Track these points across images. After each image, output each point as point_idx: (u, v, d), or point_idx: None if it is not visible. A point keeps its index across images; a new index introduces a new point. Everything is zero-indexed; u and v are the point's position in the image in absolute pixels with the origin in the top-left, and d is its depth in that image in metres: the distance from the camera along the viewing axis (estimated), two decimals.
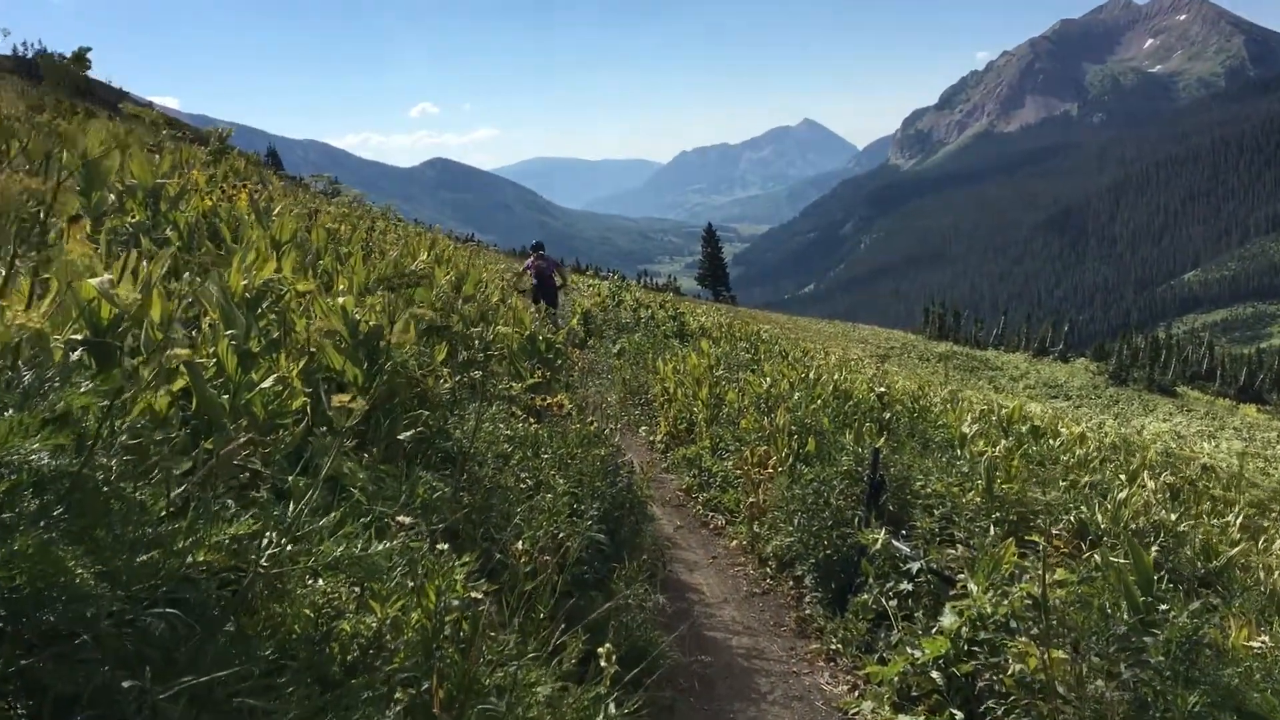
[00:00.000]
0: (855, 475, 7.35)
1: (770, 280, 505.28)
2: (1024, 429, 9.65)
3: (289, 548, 2.47)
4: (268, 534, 2.47)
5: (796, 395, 9.53)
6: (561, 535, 4.42)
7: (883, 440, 8.13)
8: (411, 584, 2.73)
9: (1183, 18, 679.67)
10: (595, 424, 6.28)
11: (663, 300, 24.12)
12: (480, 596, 2.74)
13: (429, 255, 8.19)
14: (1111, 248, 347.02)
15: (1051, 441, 9.40)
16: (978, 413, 11.08)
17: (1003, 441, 8.87)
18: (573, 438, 5.80)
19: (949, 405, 12.54)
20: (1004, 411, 10.02)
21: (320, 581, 2.44)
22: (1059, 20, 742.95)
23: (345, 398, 2.61)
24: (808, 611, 6.75)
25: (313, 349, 4.18)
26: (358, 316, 4.61)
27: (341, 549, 2.51)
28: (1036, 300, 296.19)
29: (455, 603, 2.80)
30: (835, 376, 10.66)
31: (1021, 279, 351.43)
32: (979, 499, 6.58)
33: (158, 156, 9.20)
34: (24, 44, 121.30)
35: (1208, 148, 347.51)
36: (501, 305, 7.23)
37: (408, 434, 4.78)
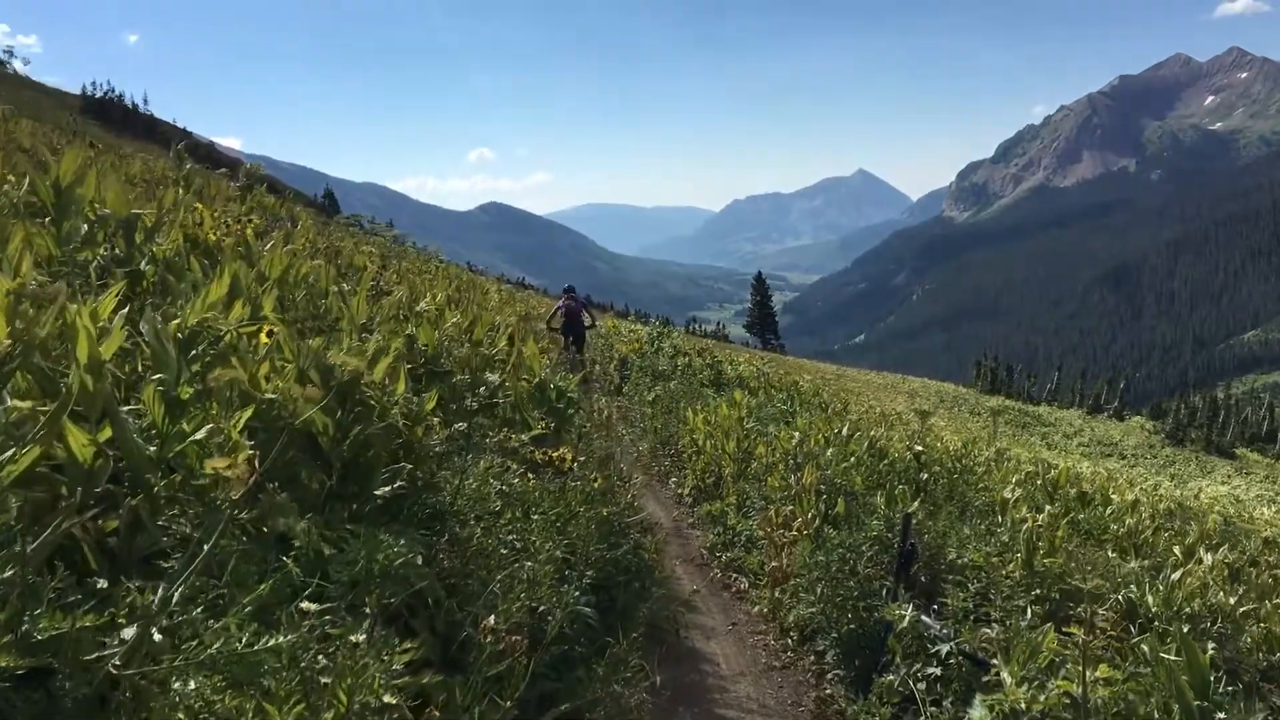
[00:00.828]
0: (885, 541, 6.84)
1: (820, 330, 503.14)
2: (1072, 494, 9.06)
3: (154, 641, 2.08)
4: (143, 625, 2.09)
5: (829, 452, 9.04)
6: (542, 608, 3.99)
7: (917, 504, 7.61)
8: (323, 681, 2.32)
9: (1244, 75, 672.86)
10: (600, 480, 5.83)
11: (701, 347, 23.67)
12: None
13: (443, 296, 7.88)
14: (1169, 305, 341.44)
15: (1101, 509, 8.79)
16: (1023, 474, 10.49)
17: (1048, 508, 8.31)
18: (572, 495, 5.37)
19: (993, 465, 11.96)
20: (1051, 474, 9.43)
21: (192, 684, 2.04)
22: (1118, 76, 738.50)
23: (222, 463, 2.20)
24: (829, 691, 6.23)
25: (272, 395, 3.82)
26: (332, 360, 4.24)
27: (220, 643, 2.11)
28: (1092, 356, 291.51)
29: (374, 704, 2.38)
30: (872, 432, 10.15)
31: (1076, 334, 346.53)
32: (1018, 572, 6.04)
33: (178, 189, 9.01)
34: (93, 84, 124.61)
35: (1269, 206, 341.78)
36: (513, 350, 6.86)
37: (385, 490, 4.40)
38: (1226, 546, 7.95)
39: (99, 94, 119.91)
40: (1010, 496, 7.83)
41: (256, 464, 2.31)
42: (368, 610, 3.30)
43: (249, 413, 3.41)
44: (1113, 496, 9.43)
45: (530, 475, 5.38)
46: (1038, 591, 5.84)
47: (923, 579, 6.57)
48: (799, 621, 6.77)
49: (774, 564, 7.44)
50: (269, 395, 3.74)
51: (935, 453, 9.53)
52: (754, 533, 8.40)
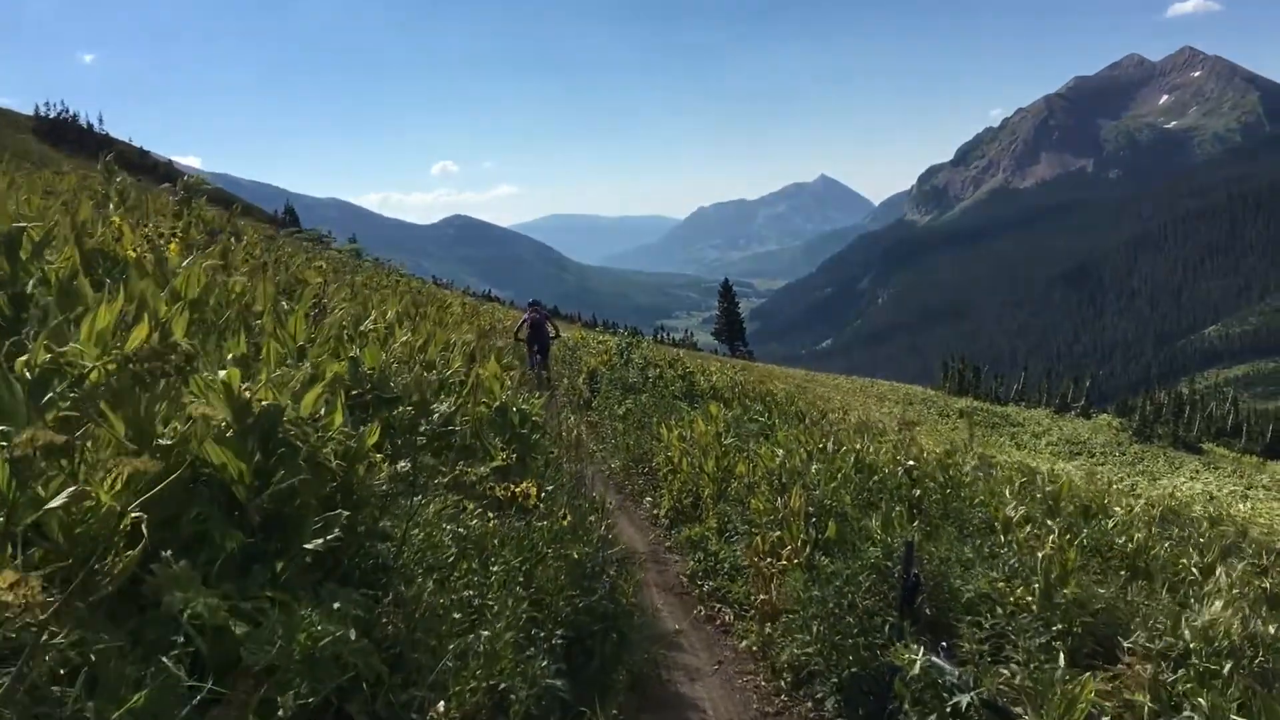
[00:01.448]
0: (884, 570, 6.25)
1: (787, 335, 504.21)
2: (1072, 508, 8.52)
3: None
4: None
5: (814, 468, 8.45)
6: (503, 685, 3.35)
7: (915, 525, 7.03)
8: None
9: (1197, 74, 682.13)
10: (569, 515, 5.18)
11: (672, 358, 23.06)
12: None
13: (394, 312, 7.21)
14: (1130, 302, 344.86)
15: (1104, 522, 8.24)
16: (1016, 486, 9.94)
17: (1049, 523, 7.76)
18: (539, 536, 4.73)
19: (982, 476, 11.42)
20: (1050, 488, 8.87)
21: None
22: (1074, 77, 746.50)
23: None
24: None
25: (168, 440, 3.18)
26: (248, 394, 3.59)
27: None
28: (1055, 355, 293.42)
29: None
30: (857, 445, 9.56)
31: (1039, 333, 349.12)
32: (1035, 604, 5.46)
33: (96, 203, 8.28)
34: (46, 104, 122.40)
35: (1225, 203, 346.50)
36: (471, 371, 6.22)
37: (317, 543, 3.75)
38: (1244, 564, 7.40)
39: (52, 114, 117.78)
40: (1013, 515, 7.25)
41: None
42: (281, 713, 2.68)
43: (131, 467, 2.72)
44: (1115, 509, 8.89)
45: (491, 514, 4.74)
46: (1059, 626, 5.26)
47: (927, 611, 5.98)
48: (793, 662, 6.15)
49: (762, 596, 6.82)
50: (164, 441, 3.10)
51: (925, 466, 8.97)
52: (738, 560, 7.78)
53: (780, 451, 8.34)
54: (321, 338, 5.65)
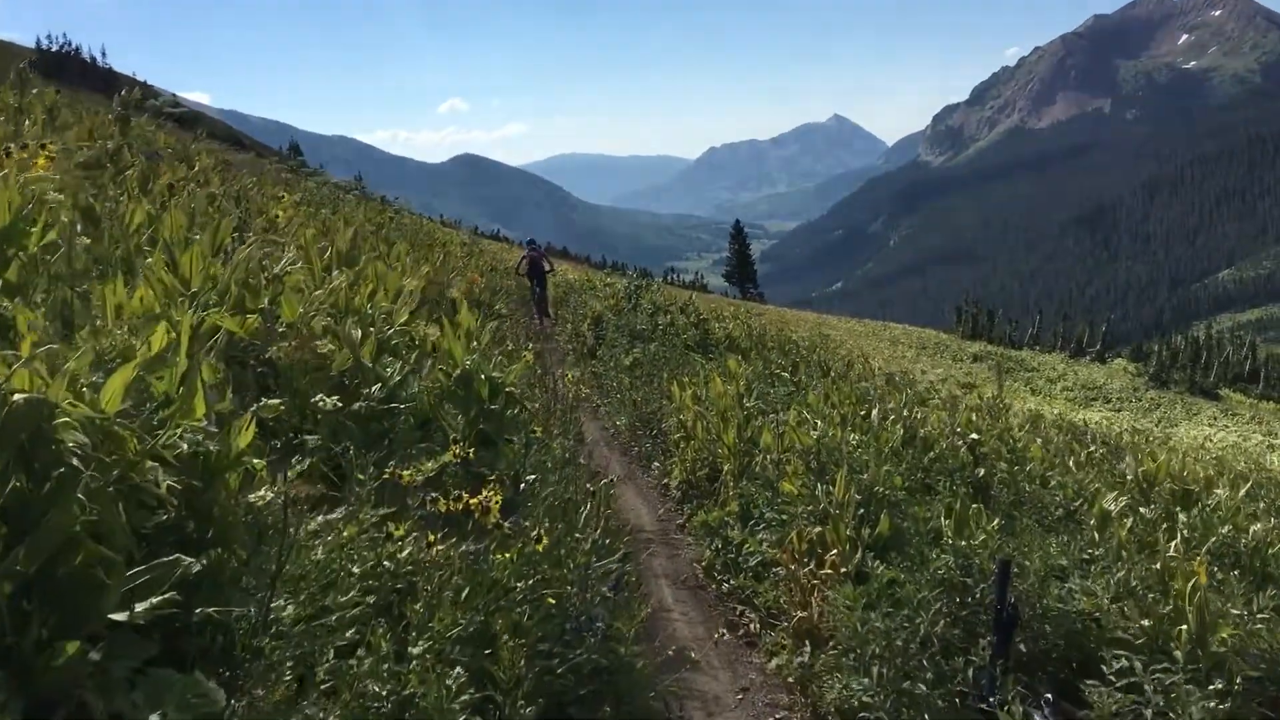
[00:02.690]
0: (960, 586, 4.86)
1: (798, 277, 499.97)
2: (1167, 489, 7.08)
3: None
4: None
5: (854, 439, 7.02)
6: None
7: (983, 514, 5.60)
8: None
9: (1217, 13, 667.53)
10: (545, 534, 3.73)
11: (684, 302, 21.52)
12: None
13: (338, 249, 5.76)
14: (1145, 246, 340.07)
15: (1206, 507, 6.81)
16: (1083, 456, 8.52)
17: (1144, 512, 6.35)
18: (501, 571, 3.32)
19: (1034, 436, 10.00)
20: (1145, 467, 7.41)
21: None
22: (1092, 16, 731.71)
23: None
24: None
25: None
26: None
27: None
28: (1068, 298, 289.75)
29: None
30: (906, 412, 8.11)
31: (1052, 276, 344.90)
32: (1178, 649, 4.06)
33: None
34: (49, 37, 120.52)
35: (1243, 145, 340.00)
36: (426, 325, 4.79)
37: (141, 608, 2.40)
38: None
39: (55, 48, 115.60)
40: (1112, 508, 5.83)
41: None
42: None
43: None
44: (1217, 489, 7.43)
45: (434, 535, 3.31)
46: (1219, 684, 3.86)
47: (1021, 648, 4.59)
48: (842, 706, 4.75)
49: (800, 614, 5.42)
50: None
51: (987, 437, 7.53)
52: (765, 554, 6.38)
53: (817, 425, 6.88)
54: (223, 283, 4.21)
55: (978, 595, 4.76)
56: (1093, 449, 9.35)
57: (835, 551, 5.40)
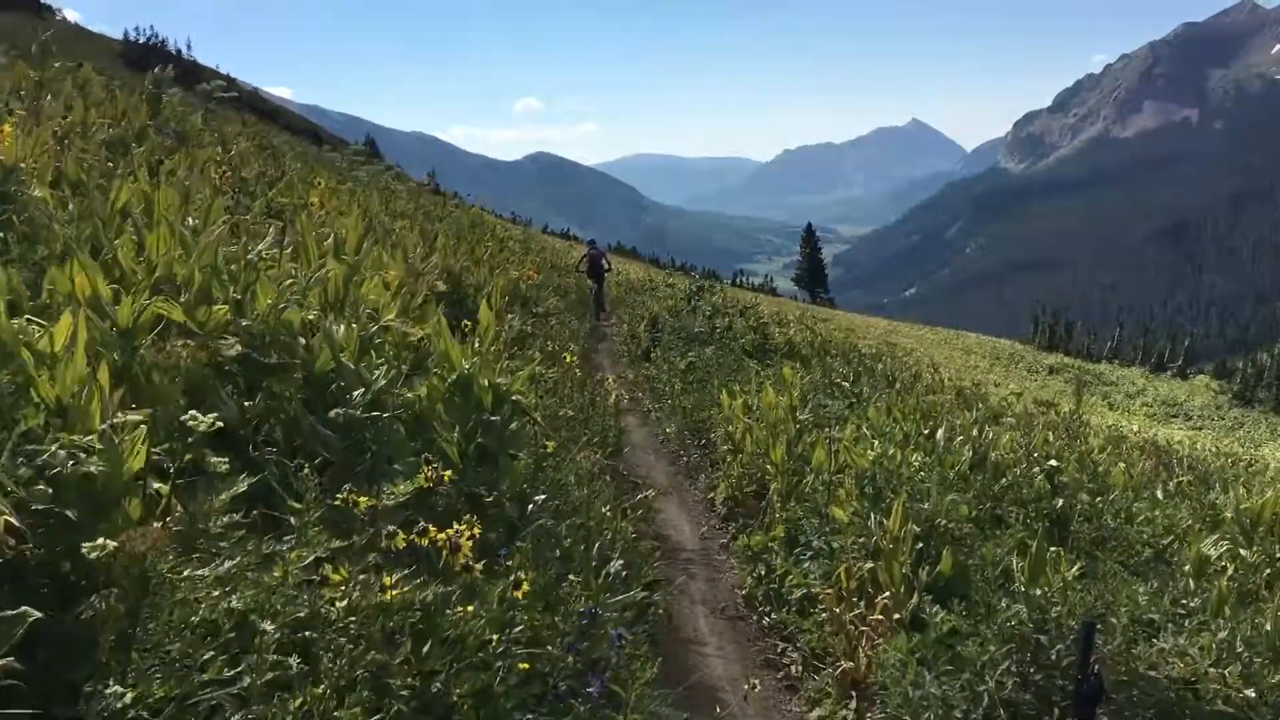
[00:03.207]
0: (1034, 643, 4.16)
1: (870, 283, 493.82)
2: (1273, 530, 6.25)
3: None
4: None
5: (916, 459, 6.32)
6: None
7: (1061, 558, 4.88)
8: None
9: None
10: (527, 577, 3.11)
11: (746, 305, 20.79)
12: None
13: (356, 234, 5.19)
14: (1230, 259, 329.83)
15: None
16: (1178, 485, 7.71)
17: (1244, 554, 5.57)
18: (470, 626, 2.71)
19: (1116, 460, 9.17)
20: (1249, 504, 6.58)
21: None
22: (1181, 24, 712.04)
23: None
24: None
25: None
26: None
27: None
28: (1148, 312, 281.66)
29: None
30: (974, 432, 7.37)
31: (1133, 289, 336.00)
32: None
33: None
34: (135, 29, 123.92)
35: None
36: (426, 323, 4.19)
37: None
38: None
39: (141, 39, 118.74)
40: (1211, 552, 5.06)
41: None
42: None
43: None
44: None
45: (391, 577, 2.72)
46: None
47: None
48: None
49: (846, 662, 4.76)
50: None
51: (1066, 463, 6.76)
52: (811, 587, 5.71)
53: (874, 444, 6.18)
54: (188, 269, 3.68)
55: (1054, 656, 4.05)
56: (1181, 477, 8.51)
57: (888, 593, 4.72)
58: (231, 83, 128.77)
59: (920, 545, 5.15)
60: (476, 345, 4.33)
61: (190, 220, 4.74)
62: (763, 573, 6.48)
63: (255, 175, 8.87)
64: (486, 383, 4.01)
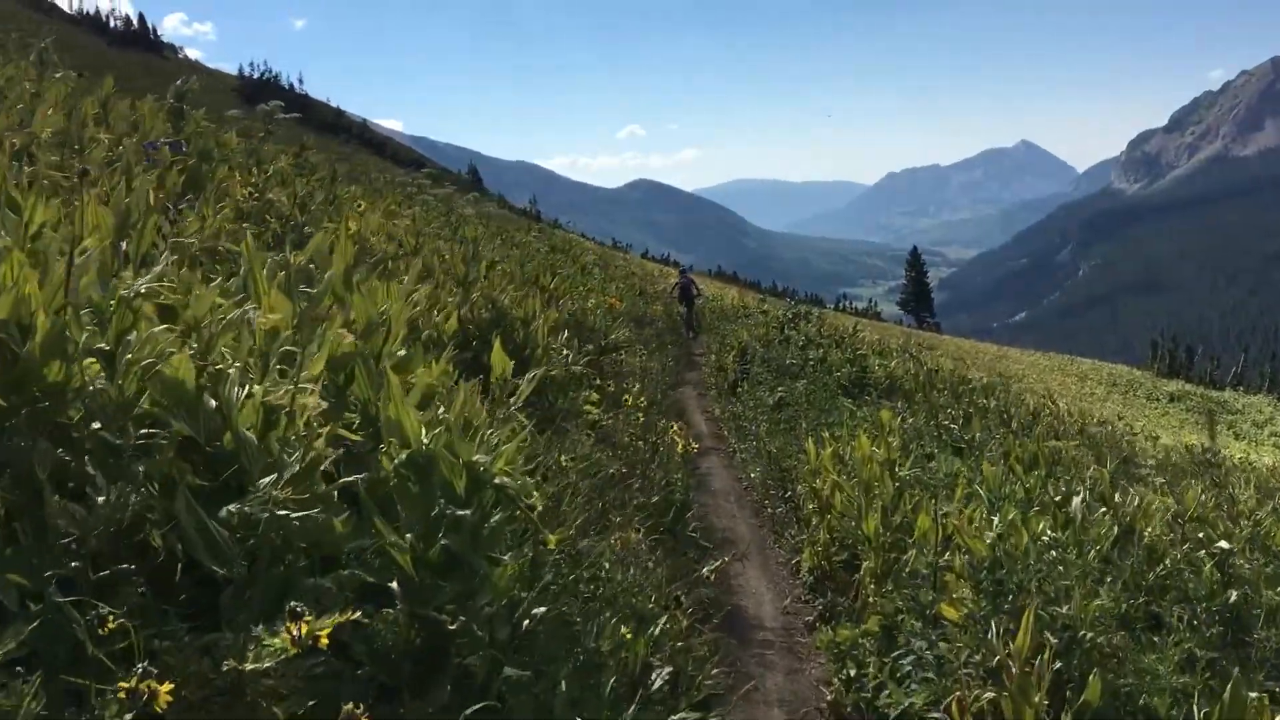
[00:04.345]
0: None
1: (978, 307, 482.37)
2: None
3: None
4: None
5: (1043, 532, 5.02)
6: None
7: (1265, 709, 3.56)
8: None
9: None
10: None
11: (846, 333, 19.40)
12: None
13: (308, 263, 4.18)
14: None
15: None
16: None
17: None
18: None
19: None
20: None
21: None
22: None
23: None
24: None
25: None
26: None
27: None
28: (1272, 336, 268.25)
29: None
30: (1112, 494, 6.00)
31: (1256, 312, 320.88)
32: None
33: None
34: (250, 65, 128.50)
35: None
36: (420, 373, 3.12)
37: None
38: None
39: (257, 75, 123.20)
40: None
41: None
42: None
43: None
44: None
45: None
46: None
47: None
48: None
49: None
50: None
51: (1234, 539, 5.36)
52: (914, 710, 4.46)
53: (994, 525, 4.88)
54: (45, 303, 2.68)
55: None
56: None
57: None
58: (341, 115, 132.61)
59: (1058, 663, 3.89)
60: (479, 402, 3.25)
61: (125, 245, 3.78)
62: (852, 673, 5.24)
63: (291, 197, 7.99)
64: (459, 461, 2.92)
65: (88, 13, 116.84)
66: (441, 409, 3.16)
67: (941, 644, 4.42)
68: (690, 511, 7.09)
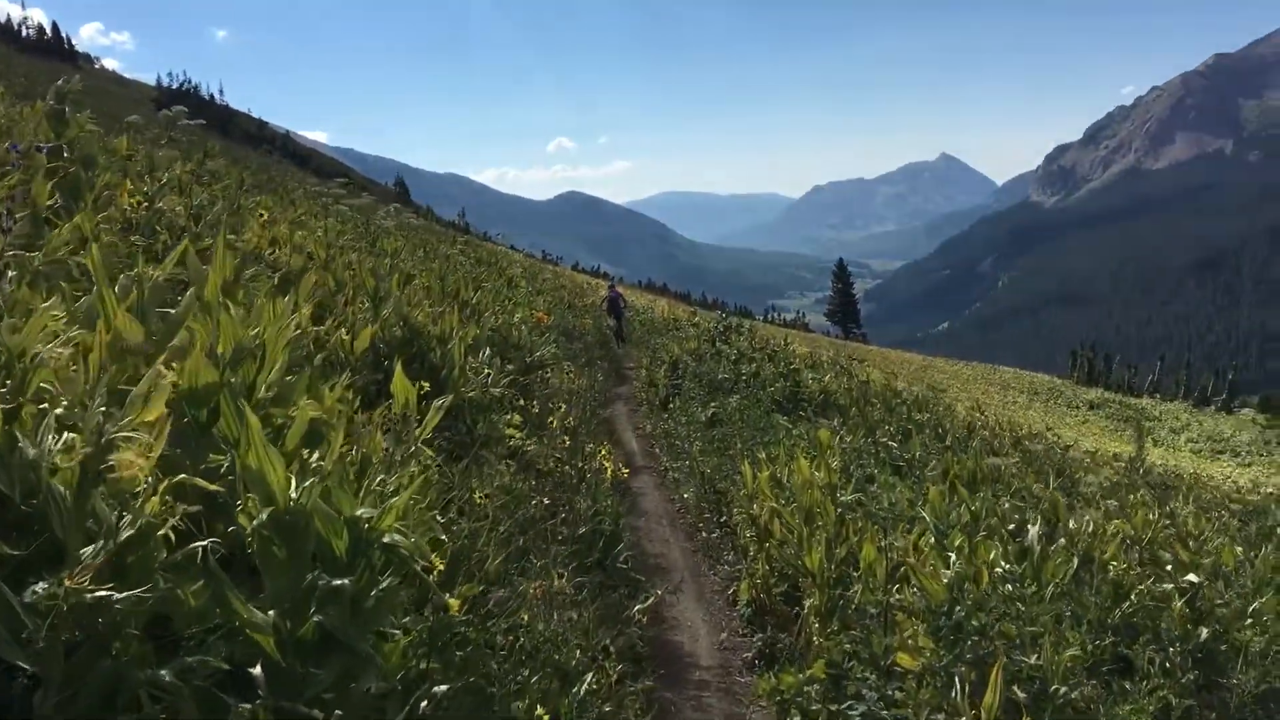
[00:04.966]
0: None
1: (903, 317, 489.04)
2: None
3: None
4: None
5: (1001, 566, 4.65)
6: None
7: None
8: None
9: None
10: None
11: (777, 346, 19.07)
12: None
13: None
14: (1271, 292, 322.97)
15: None
16: None
17: None
18: None
19: (1215, 532, 7.44)
20: None
21: None
22: (1213, 55, 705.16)
23: None
24: None
25: None
26: None
27: None
28: (1186, 345, 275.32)
29: None
30: (1072, 525, 5.66)
31: (1171, 322, 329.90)
32: None
33: None
34: (169, 74, 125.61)
35: None
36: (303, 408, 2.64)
37: None
38: None
39: (175, 85, 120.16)
40: None
41: None
42: None
43: None
44: None
45: None
46: None
47: None
48: None
49: None
50: None
51: (1201, 569, 5.04)
52: None
53: (953, 562, 4.49)
54: None
55: None
56: None
57: None
58: (263, 126, 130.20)
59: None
60: (380, 436, 2.76)
61: None
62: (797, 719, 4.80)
63: (186, 207, 7.38)
64: (338, 517, 2.42)
65: None
66: (315, 455, 2.65)
67: (897, 693, 4.00)
68: (621, 543, 6.60)
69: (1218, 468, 47.13)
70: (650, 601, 5.57)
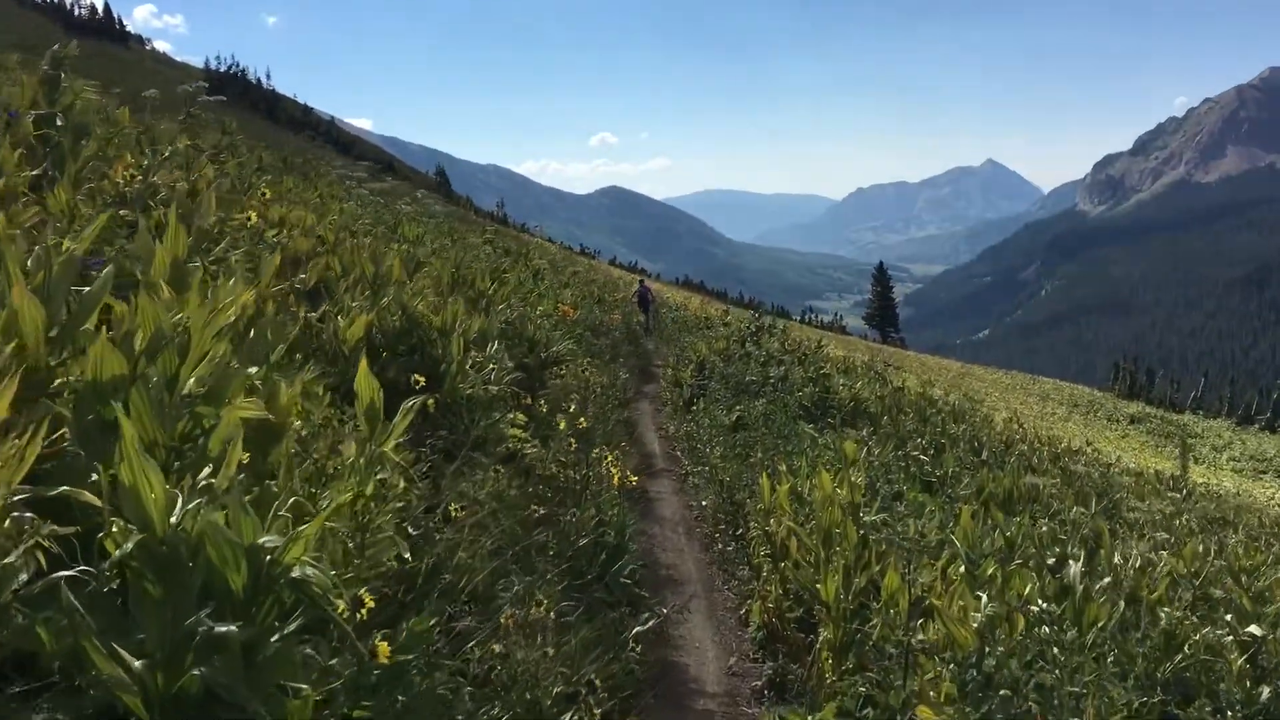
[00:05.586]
0: None
1: (942, 323, 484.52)
2: None
3: None
4: None
5: (1037, 605, 4.16)
6: None
7: None
8: None
9: None
10: None
11: (810, 349, 18.51)
12: None
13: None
14: None
15: None
16: None
17: None
18: None
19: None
20: None
21: None
22: (1268, 68, 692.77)
23: None
24: None
25: None
26: None
27: None
28: (1230, 360, 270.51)
29: None
30: (1117, 560, 5.14)
31: (1215, 336, 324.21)
32: None
33: None
34: (217, 58, 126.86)
35: None
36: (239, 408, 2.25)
37: None
38: None
39: (223, 69, 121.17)
40: None
41: None
42: None
43: None
44: None
45: None
46: None
47: None
48: None
49: None
50: None
51: (1262, 619, 4.52)
52: None
53: (984, 600, 4.01)
54: None
55: None
56: None
57: None
58: (309, 112, 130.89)
59: None
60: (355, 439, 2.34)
61: None
62: None
63: (186, 182, 7.02)
64: (231, 550, 1.99)
65: (52, 1, 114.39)
66: (225, 469, 2.21)
67: None
68: (625, 555, 6.14)
69: (1260, 488, 45.96)
70: (651, 624, 5.12)
